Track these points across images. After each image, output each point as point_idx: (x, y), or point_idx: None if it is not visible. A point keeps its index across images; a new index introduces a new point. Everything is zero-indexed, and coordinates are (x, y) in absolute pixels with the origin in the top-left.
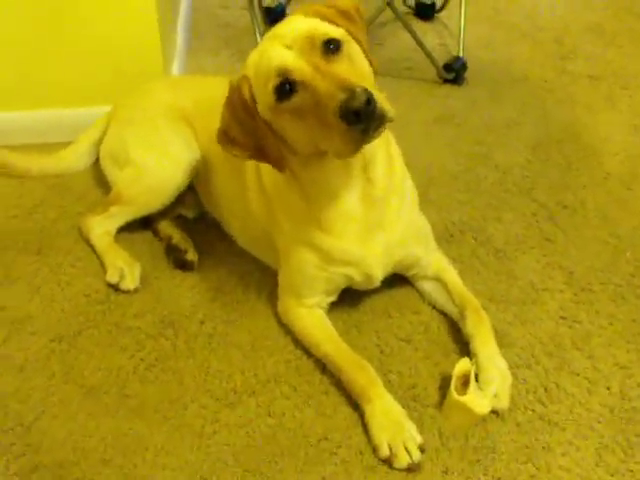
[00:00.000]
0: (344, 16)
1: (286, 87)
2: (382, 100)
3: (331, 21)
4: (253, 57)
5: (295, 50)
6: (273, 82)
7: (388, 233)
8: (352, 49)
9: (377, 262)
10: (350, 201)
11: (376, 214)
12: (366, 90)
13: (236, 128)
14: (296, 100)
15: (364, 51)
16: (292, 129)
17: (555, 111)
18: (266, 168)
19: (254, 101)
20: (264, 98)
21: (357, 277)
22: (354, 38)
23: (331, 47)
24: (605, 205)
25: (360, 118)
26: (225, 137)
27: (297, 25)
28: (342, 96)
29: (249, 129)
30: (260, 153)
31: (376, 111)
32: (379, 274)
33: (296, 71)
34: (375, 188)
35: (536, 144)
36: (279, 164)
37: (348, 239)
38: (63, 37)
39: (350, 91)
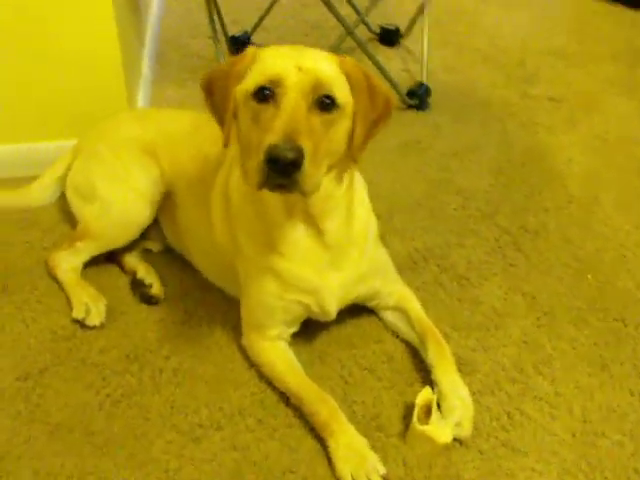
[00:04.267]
0: (370, 97)
1: (266, 92)
2: (309, 174)
3: (355, 88)
4: (275, 48)
5: (300, 78)
6: (261, 80)
7: (344, 274)
8: (342, 123)
9: (332, 295)
10: (297, 235)
11: (330, 257)
12: (299, 153)
13: (220, 84)
14: (260, 108)
15: (355, 137)
16: (244, 125)
17: (517, 134)
18: (234, 182)
19: (242, 77)
20: (247, 84)
21: (313, 307)
22: (358, 120)
23: (325, 103)
24: (567, 228)
25: (276, 169)
26: (208, 85)
27: (322, 62)
28: (278, 140)
29: (225, 94)
30: (220, 119)
31: (293, 176)
32: (334, 307)
33: (283, 92)
34: (327, 238)
35: (499, 168)
36: (226, 139)
37: (301, 265)
38: (25, 70)
39: (288, 142)
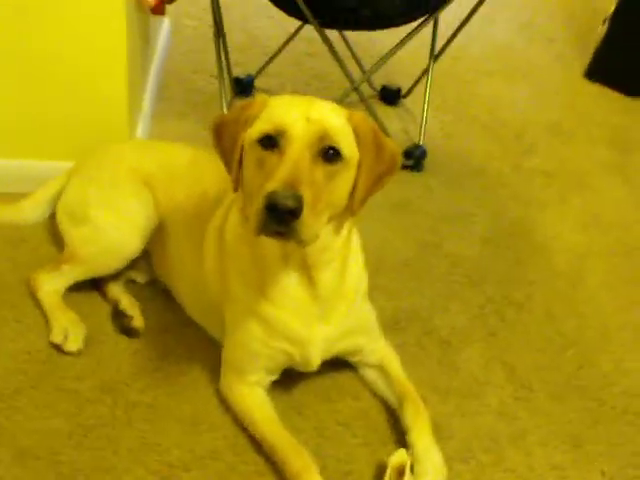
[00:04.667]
0: (376, 152)
1: (272, 140)
2: (308, 224)
3: (361, 142)
4: (285, 97)
5: (307, 128)
6: (267, 128)
7: (330, 328)
8: (345, 176)
9: (316, 348)
10: (289, 283)
11: (318, 309)
12: (298, 201)
13: (229, 130)
14: (265, 154)
15: (357, 190)
16: (248, 170)
17: (509, 205)
18: (232, 223)
19: (250, 123)
20: (254, 130)
21: (296, 357)
22: (362, 174)
23: (330, 155)
24: (551, 302)
25: (274, 216)
26: (217, 130)
27: (330, 114)
28: (278, 188)
29: (233, 139)
30: (228, 164)
31: (291, 224)
32: (317, 359)
33: (288, 141)
34: (318, 290)
35: (488, 237)
36: (235, 184)
37: (289, 314)
38: (29, 87)
39: (288, 190)
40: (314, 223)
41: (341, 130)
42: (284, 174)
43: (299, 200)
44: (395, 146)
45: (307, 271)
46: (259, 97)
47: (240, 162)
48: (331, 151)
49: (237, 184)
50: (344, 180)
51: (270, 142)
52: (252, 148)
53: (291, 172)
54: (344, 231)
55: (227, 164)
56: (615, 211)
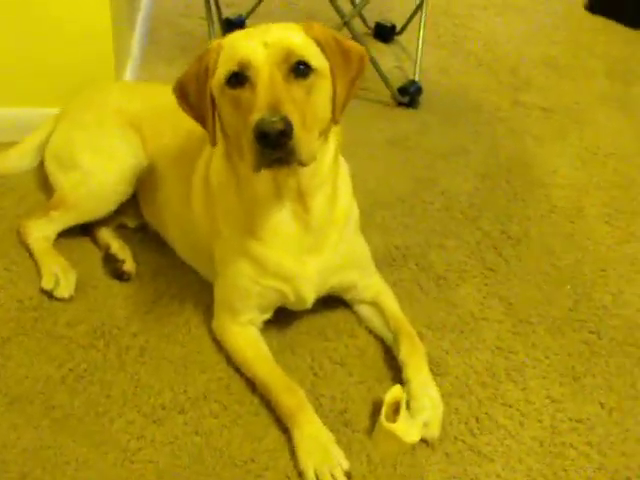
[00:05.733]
0: (343, 56)
1: (238, 77)
2: (303, 142)
3: (327, 50)
4: (237, 33)
5: (268, 52)
6: (230, 66)
7: (323, 259)
8: (322, 86)
9: (309, 284)
10: (281, 218)
11: (311, 239)
12: (286, 122)
13: (192, 86)
14: (238, 93)
15: (336, 97)
16: (226, 115)
17: (506, 141)
18: (215, 168)
19: (213, 71)
20: (218, 74)
21: (289, 295)
22: (336, 81)
23: (300, 70)
24: (549, 237)
25: (268, 143)
26: (181, 90)
27: (287, 33)
28: (262, 115)
29: (201, 93)
30: (202, 120)
31: (287, 146)
32: (310, 296)
33: (255, 71)
34: (311, 217)
35: (485, 173)
36: (212, 138)
37: (280, 252)
38: (13, 34)
39: (273, 114)
40: (309, 140)
41: (303, 44)
42: (263, 101)
43: (287, 120)
44: (359, 46)
45: (301, 199)
46: (213, 42)
47: (214, 114)
48: (301, 66)
49: (214, 138)
50: (322, 90)
51: (238, 79)
52: (223, 92)
53: (269, 97)
54: (331, 147)
55: (201, 120)
56: (614, 144)
